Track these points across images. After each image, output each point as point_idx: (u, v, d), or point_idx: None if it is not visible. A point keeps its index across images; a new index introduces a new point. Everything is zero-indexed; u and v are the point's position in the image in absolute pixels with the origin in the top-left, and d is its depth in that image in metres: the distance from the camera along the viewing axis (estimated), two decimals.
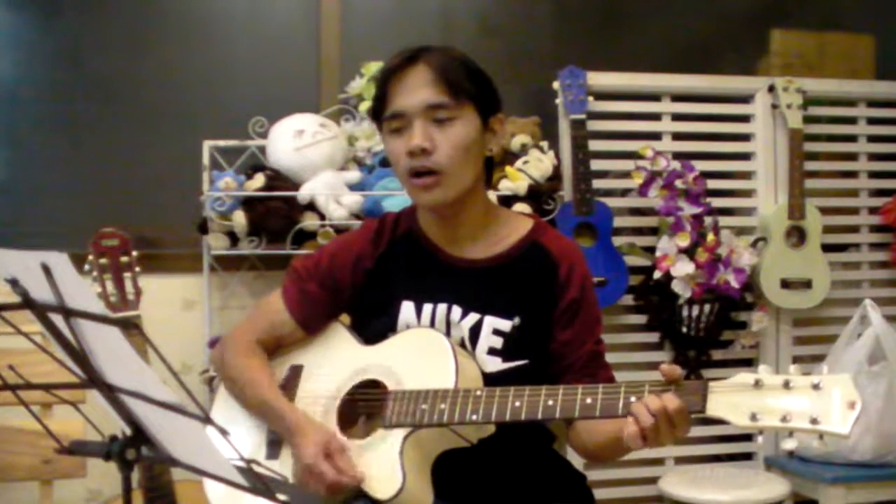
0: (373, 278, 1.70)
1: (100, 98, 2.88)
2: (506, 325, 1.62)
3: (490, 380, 1.58)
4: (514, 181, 2.67)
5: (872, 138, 3.17)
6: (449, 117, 1.58)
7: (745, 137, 3.08)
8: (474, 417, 1.47)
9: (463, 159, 1.59)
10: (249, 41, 3.00)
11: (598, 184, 2.88)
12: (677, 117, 3.03)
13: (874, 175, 3.19)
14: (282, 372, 1.73)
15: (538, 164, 2.72)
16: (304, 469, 1.53)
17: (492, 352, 1.61)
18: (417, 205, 1.71)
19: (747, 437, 2.97)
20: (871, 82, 3.27)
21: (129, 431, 1.16)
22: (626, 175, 2.91)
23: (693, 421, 1.35)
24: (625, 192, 3.00)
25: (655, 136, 3.00)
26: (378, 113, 1.65)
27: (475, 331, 1.62)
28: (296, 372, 1.72)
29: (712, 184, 2.93)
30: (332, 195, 2.62)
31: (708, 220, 2.84)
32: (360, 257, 1.71)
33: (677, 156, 2.92)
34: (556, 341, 1.63)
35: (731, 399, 1.28)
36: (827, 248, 3.01)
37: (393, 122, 1.61)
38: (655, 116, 3.03)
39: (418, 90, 1.58)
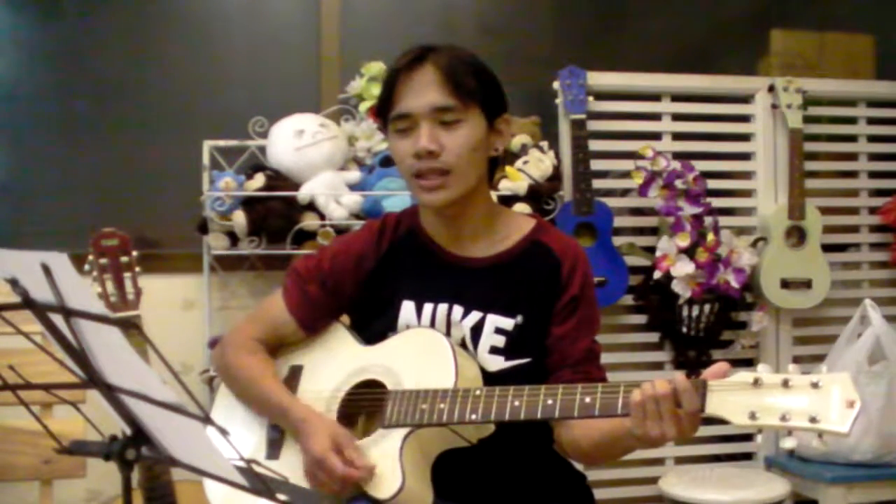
0: (374, 279, 1.70)
1: (100, 98, 2.88)
2: (508, 323, 1.62)
3: (492, 379, 1.58)
4: (514, 181, 2.67)
5: (872, 138, 3.17)
6: (456, 119, 1.58)
7: (745, 137, 3.08)
8: (474, 417, 1.47)
9: (469, 160, 1.59)
10: (249, 41, 3.00)
11: (598, 184, 2.87)
12: (677, 117, 3.03)
13: (874, 175, 3.18)
14: (282, 372, 1.73)
15: (538, 164, 2.72)
16: (314, 463, 1.52)
17: (494, 350, 1.62)
18: (421, 204, 1.70)
19: (747, 437, 2.97)
20: (871, 82, 3.27)
21: (129, 431, 1.16)
22: (626, 175, 2.91)
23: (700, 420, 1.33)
24: (625, 192, 3.00)
25: (655, 136, 3.00)
26: (383, 112, 1.64)
27: (477, 330, 1.62)
28: (295, 372, 1.72)
29: (712, 184, 2.93)
30: (332, 195, 2.62)
31: (708, 220, 2.83)
32: (362, 258, 1.71)
33: (677, 156, 2.92)
34: (551, 335, 1.62)
35: (730, 398, 1.28)
36: (827, 248, 3.01)
37: (399, 122, 1.61)
38: (655, 116, 3.03)
39: (425, 92, 1.58)
